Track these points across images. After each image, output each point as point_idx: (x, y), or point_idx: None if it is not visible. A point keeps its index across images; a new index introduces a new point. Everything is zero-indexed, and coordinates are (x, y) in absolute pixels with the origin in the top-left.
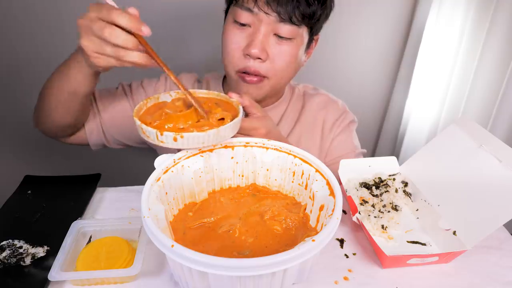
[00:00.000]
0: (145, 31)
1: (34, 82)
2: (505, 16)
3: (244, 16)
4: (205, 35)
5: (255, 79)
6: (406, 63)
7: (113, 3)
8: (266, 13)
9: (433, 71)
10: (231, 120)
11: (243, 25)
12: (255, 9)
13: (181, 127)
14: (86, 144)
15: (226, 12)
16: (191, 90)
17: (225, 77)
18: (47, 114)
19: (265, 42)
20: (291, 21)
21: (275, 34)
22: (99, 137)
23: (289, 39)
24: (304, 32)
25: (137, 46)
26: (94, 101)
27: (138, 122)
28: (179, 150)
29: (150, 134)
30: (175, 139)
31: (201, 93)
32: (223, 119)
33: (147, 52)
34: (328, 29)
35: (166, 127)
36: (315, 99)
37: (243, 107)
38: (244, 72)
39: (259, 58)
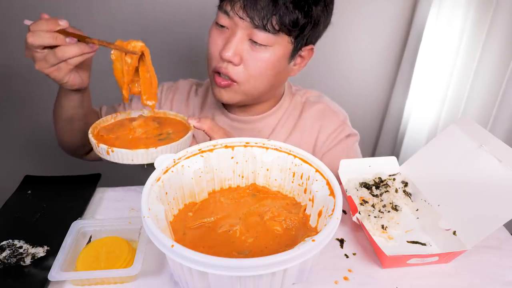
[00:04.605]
0: (62, 23)
1: (34, 83)
2: (505, 17)
3: (222, 19)
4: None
5: (223, 82)
6: (406, 63)
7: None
8: (241, 18)
9: (433, 71)
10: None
11: (222, 27)
12: (231, 13)
13: (129, 137)
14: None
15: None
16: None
17: None
18: (58, 135)
19: (240, 47)
20: (265, 29)
21: (250, 39)
22: None
23: (265, 46)
24: (285, 41)
25: (63, 40)
26: (100, 117)
27: (89, 133)
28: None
29: (92, 144)
30: (107, 152)
31: (159, 113)
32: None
33: (80, 40)
34: (327, 29)
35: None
36: (314, 107)
37: (204, 131)
38: (218, 72)
39: (231, 62)
